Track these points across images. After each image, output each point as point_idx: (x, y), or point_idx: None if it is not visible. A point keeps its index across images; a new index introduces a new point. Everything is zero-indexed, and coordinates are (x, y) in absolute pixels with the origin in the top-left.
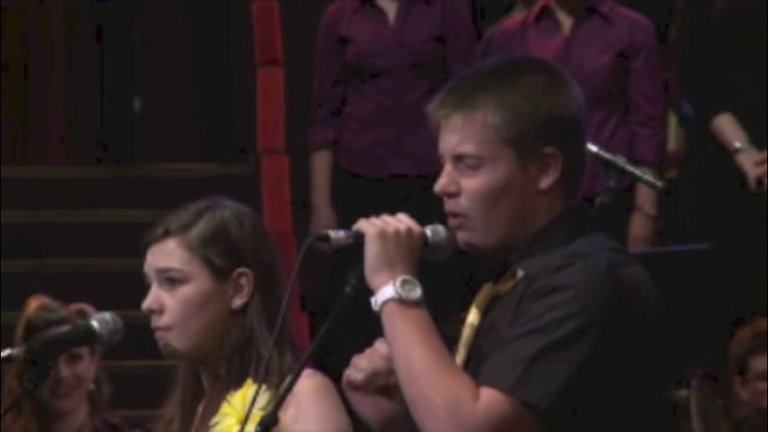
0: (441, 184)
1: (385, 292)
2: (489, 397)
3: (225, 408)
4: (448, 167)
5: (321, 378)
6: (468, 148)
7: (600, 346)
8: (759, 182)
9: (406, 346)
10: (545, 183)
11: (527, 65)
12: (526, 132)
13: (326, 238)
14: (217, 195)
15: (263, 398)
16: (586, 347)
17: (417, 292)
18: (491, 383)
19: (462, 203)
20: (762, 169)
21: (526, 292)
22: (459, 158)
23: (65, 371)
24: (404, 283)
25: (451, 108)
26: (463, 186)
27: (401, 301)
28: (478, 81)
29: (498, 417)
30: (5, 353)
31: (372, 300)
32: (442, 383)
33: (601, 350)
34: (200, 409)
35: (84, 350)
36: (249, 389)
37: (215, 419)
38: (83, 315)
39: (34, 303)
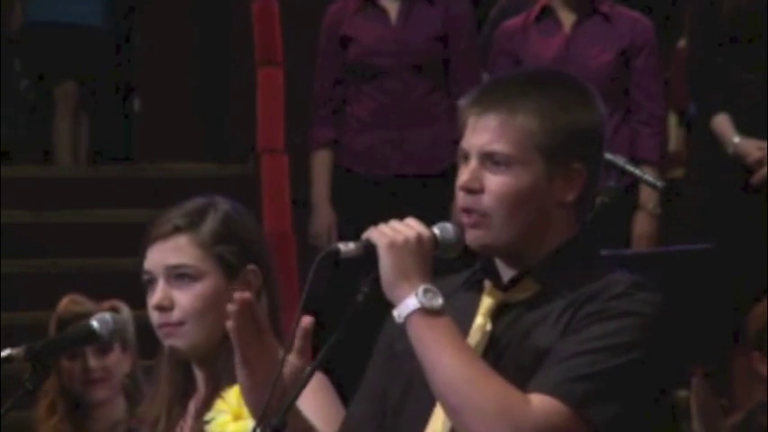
0: (464, 180)
1: (408, 303)
2: (548, 405)
3: (219, 404)
4: (473, 164)
5: (318, 375)
6: (500, 146)
7: (655, 378)
8: (760, 163)
9: (440, 356)
10: (568, 196)
11: (563, 78)
12: (560, 144)
13: (337, 253)
14: (215, 195)
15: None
16: (646, 377)
17: (439, 300)
18: (551, 393)
19: (485, 201)
20: (763, 152)
21: (579, 312)
22: (487, 156)
23: (92, 361)
24: (425, 292)
25: (487, 106)
26: (488, 185)
27: (425, 311)
28: (518, 85)
29: (554, 425)
30: (5, 353)
31: (395, 313)
32: (490, 388)
33: (655, 381)
34: (191, 406)
35: (114, 343)
36: None
37: (209, 416)
38: (115, 311)
39: (65, 300)
